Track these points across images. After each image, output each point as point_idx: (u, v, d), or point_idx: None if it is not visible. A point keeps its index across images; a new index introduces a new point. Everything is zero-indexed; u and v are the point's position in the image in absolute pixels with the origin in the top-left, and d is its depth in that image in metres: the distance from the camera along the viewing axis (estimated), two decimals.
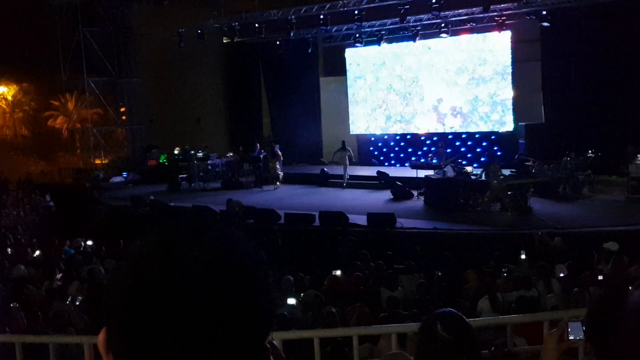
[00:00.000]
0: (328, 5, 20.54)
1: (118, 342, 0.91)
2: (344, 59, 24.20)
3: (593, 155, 16.54)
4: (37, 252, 13.03)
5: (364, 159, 23.81)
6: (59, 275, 10.49)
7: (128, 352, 0.90)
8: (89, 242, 13.67)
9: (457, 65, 21.34)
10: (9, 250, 13.36)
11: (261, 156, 21.35)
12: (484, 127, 21.08)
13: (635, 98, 17.20)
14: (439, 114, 21.95)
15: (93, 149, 25.07)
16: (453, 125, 21.71)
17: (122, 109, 26.63)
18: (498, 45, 20.54)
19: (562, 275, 8.95)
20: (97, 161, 25.49)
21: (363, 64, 23.80)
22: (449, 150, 19.65)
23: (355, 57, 23.84)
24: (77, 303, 8.79)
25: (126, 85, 25.95)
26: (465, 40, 21.22)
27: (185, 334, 0.86)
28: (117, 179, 24.29)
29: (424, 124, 22.38)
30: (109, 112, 25.75)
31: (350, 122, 24.09)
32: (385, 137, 23.65)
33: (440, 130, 21.98)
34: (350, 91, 24.19)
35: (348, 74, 24.19)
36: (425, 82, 22.17)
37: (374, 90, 23.61)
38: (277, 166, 20.74)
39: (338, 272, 10.13)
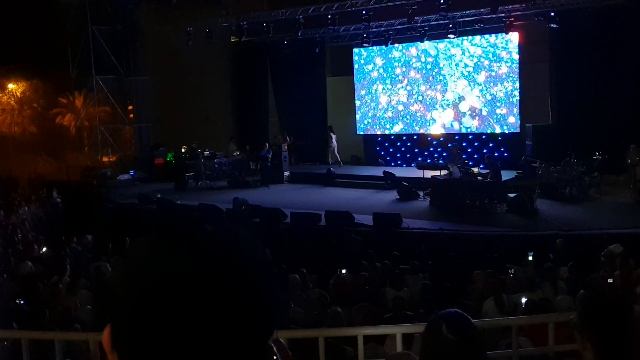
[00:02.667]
0: (336, 5, 20.52)
1: (122, 340, 0.91)
2: (352, 59, 24.18)
3: (600, 157, 16.49)
4: (44, 249, 13.08)
5: (371, 159, 23.78)
6: (66, 273, 10.52)
7: (132, 350, 0.90)
8: (96, 240, 13.71)
9: (474, 60, 21.22)
10: (17, 246, 13.42)
11: (269, 155, 21.36)
12: (498, 128, 20.95)
13: None
14: (458, 112, 21.75)
15: (101, 147, 25.12)
16: (470, 125, 21.53)
17: (130, 107, 26.67)
18: (506, 46, 20.51)
19: (566, 277, 8.94)
20: (105, 159, 25.55)
21: (372, 52, 23.64)
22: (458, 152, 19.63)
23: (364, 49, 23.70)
24: (84, 300, 8.83)
25: (134, 84, 26.01)
26: (476, 39, 21.19)
27: (189, 332, 0.87)
28: (125, 176, 24.34)
29: (441, 118, 22.14)
30: (117, 110, 25.80)
31: (357, 121, 24.09)
32: (392, 137, 23.60)
33: (456, 128, 21.81)
34: (358, 85, 24.07)
35: (356, 64, 24.09)
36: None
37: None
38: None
39: (344, 272, 10.14)
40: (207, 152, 22.58)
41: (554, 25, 18.44)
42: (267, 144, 21.93)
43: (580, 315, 2.32)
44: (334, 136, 22.95)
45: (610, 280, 7.97)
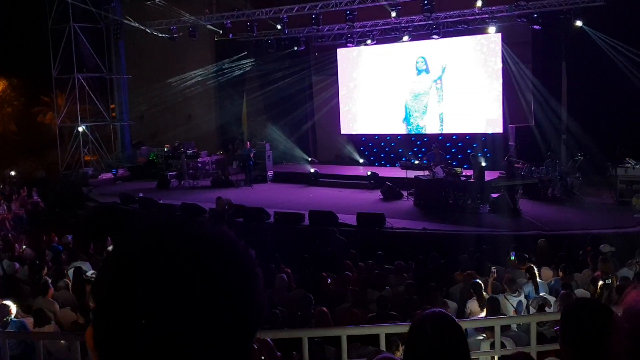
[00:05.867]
0: (320, 5, 20.50)
1: (105, 339, 0.91)
2: (336, 58, 24.18)
3: (582, 157, 16.63)
4: (25, 248, 12.93)
5: (354, 159, 23.79)
6: (45, 272, 10.40)
7: (115, 349, 0.89)
8: (77, 239, 13.57)
9: (461, 59, 21.28)
10: None
11: (252, 154, 21.28)
12: (482, 129, 21.05)
13: (624, 101, 17.28)
14: (444, 112, 21.76)
15: (82, 145, 24.89)
16: (456, 126, 21.55)
17: (112, 106, 26.48)
18: (489, 48, 20.62)
19: (549, 276, 9.00)
20: (87, 157, 25.32)
21: (356, 51, 23.69)
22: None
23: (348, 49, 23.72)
24: (63, 300, 8.75)
25: (116, 82, 25.84)
26: (459, 40, 21.29)
27: (172, 331, 0.86)
28: (106, 175, 24.17)
29: (427, 118, 22.16)
30: (99, 109, 25.58)
31: (340, 121, 24.10)
32: (376, 137, 23.63)
33: (442, 127, 21.85)
34: (341, 85, 24.02)
35: (340, 64, 24.12)
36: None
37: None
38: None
39: (327, 272, 10.12)
40: (190, 151, 22.47)
41: (536, 27, 18.57)
42: (248, 143, 21.85)
43: (564, 328, 2.27)
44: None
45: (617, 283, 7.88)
